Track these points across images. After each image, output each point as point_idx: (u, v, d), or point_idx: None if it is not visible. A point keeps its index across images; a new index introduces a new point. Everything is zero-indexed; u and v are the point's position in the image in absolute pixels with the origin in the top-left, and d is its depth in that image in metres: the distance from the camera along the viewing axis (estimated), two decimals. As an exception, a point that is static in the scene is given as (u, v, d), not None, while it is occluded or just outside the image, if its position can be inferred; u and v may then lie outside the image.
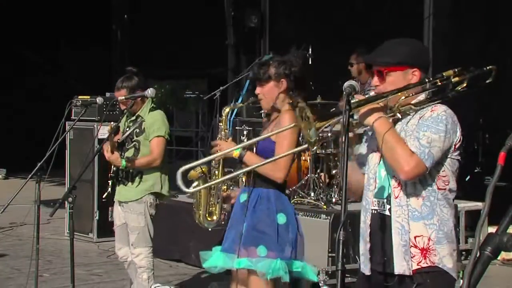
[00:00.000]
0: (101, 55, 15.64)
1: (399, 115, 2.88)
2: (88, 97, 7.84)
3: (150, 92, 5.03)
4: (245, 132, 8.42)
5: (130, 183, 5.16)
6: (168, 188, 5.27)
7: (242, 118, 9.18)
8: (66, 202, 4.54)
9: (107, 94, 7.77)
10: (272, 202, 3.75)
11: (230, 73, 12.26)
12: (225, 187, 4.01)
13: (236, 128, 9.02)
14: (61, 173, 8.22)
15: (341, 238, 2.53)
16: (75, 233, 4.58)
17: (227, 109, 4.07)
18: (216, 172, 3.97)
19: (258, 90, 3.86)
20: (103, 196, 5.38)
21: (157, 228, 7.29)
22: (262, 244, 3.70)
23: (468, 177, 9.83)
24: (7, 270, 6.76)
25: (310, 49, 8.34)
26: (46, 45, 15.25)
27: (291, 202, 6.57)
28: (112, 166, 5.22)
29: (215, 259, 3.86)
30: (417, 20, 10.48)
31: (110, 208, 8.18)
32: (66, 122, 5.64)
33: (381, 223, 2.82)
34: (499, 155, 1.70)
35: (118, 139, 5.20)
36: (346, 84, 2.77)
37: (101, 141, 7.44)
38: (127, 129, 5.24)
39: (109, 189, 5.27)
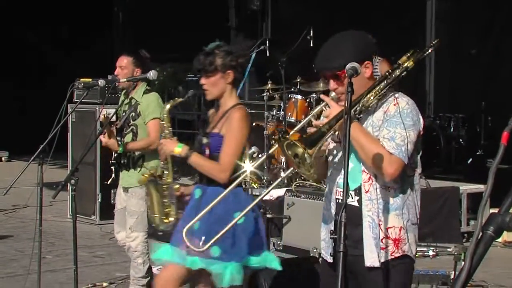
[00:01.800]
0: (103, 38, 15.61)
1: (363, 110, 2.91)
2: (90, 79, 7.83)
3: (152, 74, 5.03)
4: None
5: (132, 169, 5.17)
6: (171, 174, 5.27)
7: (244, 100, 9.20)
8: (68, 185, 4.55)
9: (109, 77, 7.76)
10: (229, 202, 3.59)
11: (233, 55, 12.23)
12: (177, 186, 3.91)
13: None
14: (63, 156, 8.24)
15: (342, 220, 2.55)
16: (77, 215, 4.60)
17: (168, 106, 3.95)
18: (166, 172, 3.90)
19: (203, 80, 3.76)
20: (108, 182, 5.38)
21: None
22: (215, 245, 3.49)
23: (470, 159, 9.85)
24: (11, 252, 6.80)
25: (311, 32, 8.33)
26: (48, 28, 15.22)
27: (292, 185, 6.67)
28: (113, 152, 5.23)
29: (163, 252, 3.77)
30: (420, 4, 10.45)
31: (112, 191, 8.22)
32: (68, 105, 5.63)
33: (349, 214, 2.78)
34: (502, 135, 1.70)
35: (117, 125, 5.20)
36: (348, 66, 2.79)
37: (103, 124, 7.46)
38: (123, 113, 5.25)
39: (113, 175, 5.27)
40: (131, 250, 5.22)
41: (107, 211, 8.20)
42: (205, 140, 3.75)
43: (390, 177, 2.84)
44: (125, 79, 5.16)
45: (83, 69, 11.13)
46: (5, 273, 6.08)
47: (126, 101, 5.27)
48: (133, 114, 5.15)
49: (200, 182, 3.79)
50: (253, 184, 6.86)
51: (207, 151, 3.72)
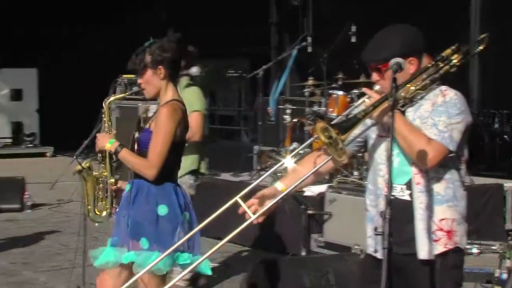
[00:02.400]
0: (146, 35, 15.70)
1: (407, 103, 2.90)
2: (133, 75, 7.90)
3: (194, 70, 5.06)
4: (288, 111, 8.45)
5: None
6: (207, 166, 5.32)
7: (285, 96, 9.19)
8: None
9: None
10: (151, 194, 3.65)
11: (273, 51, 12.24)
12: (113, 180, 3.90)
13: (279, 107, 9.05)
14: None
15: (387, 217, 2.54)
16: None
17: (110, 99, 3.92)
18: (103, 165, 3.89)
19: (139, 80, 3.74)
20: None
21: (199, 206, 7.39)
22: (143, 236, 3.60)
23: (514, 157, 9.69)
24: (56, 246, 6.89)
25: (354, 28, 8.29)
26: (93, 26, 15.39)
27: (334, 181, 6.65)
28: None
29: (107, 255, 3.74)
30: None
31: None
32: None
33: (400, 209, 2.81)
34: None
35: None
36: (392, 61, 2.80)
37: (145, 120, 7.52)
38: None
39: None
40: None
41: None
42: (136, 135, 3.80)
43: (431, 164, 2.81)
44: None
45: (125, 66, 11.25)
46: (50, 266, 6.17)
47: None
48: None
49: (134, 175, 3.78)
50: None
51: (136, 146, 3.75)
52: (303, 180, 2.99)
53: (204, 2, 14.24)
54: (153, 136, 3.65)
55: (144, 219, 3.61)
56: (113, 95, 3.94)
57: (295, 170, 3.09)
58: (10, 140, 14.07)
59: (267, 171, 7.60)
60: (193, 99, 5.18)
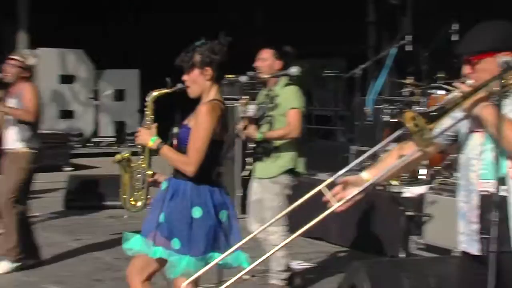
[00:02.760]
0: (242, 34, 15.88)
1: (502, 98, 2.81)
2: (232, 75, 8.00)
3: (294, 70, 5.07)
4: (386, 111, 8.33)
5: (267, 159, 5.23)
6: (304, 166, 5.32)
7: (384, 96, 9.07)
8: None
9: (248, 73, 7.89)
10: (187, 196, 3.69)
11: (371, 51, 12.10)
12: (150, 172, 3.95)
13: (377, 106, 8.94)
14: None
15: (495, 219, 2.48)
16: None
17: (154, 94, 3.96)
18: (143, 156, 3.94)
19: (184, 76, 3.82)
20: (245, 174, 5.46)
21: (299, 205, 7.39)
22: (176, 237, 3.67)
23: None
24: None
25: (455, 26, 8.10)
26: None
27: (434, 182, 6.51)
28: (248, 144, 5.32)
29: (134, 242, 3.81)
30: None
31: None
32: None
33: (496, 204, 2.73)
34: None
35: (254, 115, 5.29)
36: (501, 60, 2.75)
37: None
38: (262, 105, 5.33)
39: (247, 167, 5.36)
40: (271, 243, 5.28)
41: (247, 205, 8.35)
42: (175, 130, 3.91)
43: None
44: (269, 75, 5.23)
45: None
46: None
47: (265, 92, 5.36)
48: (271, 105, 5.22)
49: (173, 174, 3.84)
50: (392, 181, 6.75)
51: (175, 142, 3.82)
52: (388, 171, 2.98)
53: (300, 0, 14.24)
54: (192, 133, 3.70)
55: (178, 220, 3.67)
56: (156, 90, 4.01)
57: (383, 161, 3.07)
58: (113, 139, 14.51)
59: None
60: (292, 97, 5.21)
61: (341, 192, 3.02)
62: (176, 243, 3.67)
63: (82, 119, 14.52)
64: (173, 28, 14.41)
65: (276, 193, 5.22)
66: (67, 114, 14.30)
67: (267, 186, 5.24)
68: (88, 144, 14.24)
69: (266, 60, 5.31)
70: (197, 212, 3.68)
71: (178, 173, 3.76)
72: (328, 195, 3.00)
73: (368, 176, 3.03)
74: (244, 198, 8.28)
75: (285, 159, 5.21)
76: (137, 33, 14.73)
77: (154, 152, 3.85)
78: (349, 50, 13.17)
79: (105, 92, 14.74)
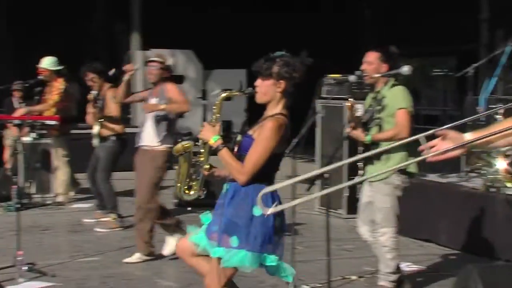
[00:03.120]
0: (349, 33, 15.78)
1: None
2: (339, 75, 7.97)
3: (405, 69, 4.98)
4: (500, 111, 8.05)
5: (377, 161, 5.17)
6: (415, 166, 5.22)
7: (497, 96, 8.78)
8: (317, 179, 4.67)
9: (356, 72, 7.83)
10: (249, 195, 3.77)
11: (483, 49, 11.75)
12: (207, 166, 4.03)
13: (490, 106, 8.66)
14: (310, 150, 8.46)
15: None
16: (325, 208, 4.71)
17: (224, 95, 4.06)
18: (202, 150, 4.04)
19: (257, 82, 3.87)
20: (355, 177, 5.41)
21: (406, 207, 7.26)
22: (235, 235, 3.75)
23: None
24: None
25: None
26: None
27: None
28: (359, 147, 5.27)
29: (199, 238, 3.94)
30: None
31: (358, 186, 8.32)
32: (317, 101, 5.79)
33: None
34: None
35: (363, 119, 5.24)
36: None
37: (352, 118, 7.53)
38: (370, 108, 5.27)
39: (362, 170, 5.31)
40: (380, 245, 5.24)
41: (354, 206, 8.29)
42: (238, 138, 3.94)
43: None
44: (378, 75, 5.18)
45: (330, 64, 11.34)
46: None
47: (372, 95, 5.30)
48: (379, 107, 5.16)
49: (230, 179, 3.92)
50: (507, 183, 6.54)
51: (236, 149, 3.88)
52: (490, 135, 2.90)
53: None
54: (254, 145, 3.78)
55: (239, 219, 3.76)
56: (228, 91, 4.14)
57: (488, 128, 3.01)
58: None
59: (476, 173, 7.35)
60: (399, 97, 5.13)
61: (438, 144, 2.95)
62: (234, 241, 3.76)
63: (190, 118, 14.81)
64: (277, 27, 14.52)
65: (387, 194, 5.16)
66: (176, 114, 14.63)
67: (378, 187, 5.19)
68: (196, 144, 14.50)
69: (372, 64, 5.25)
70: (257, 211, 3.74)
71: None
72: (424, 145, 2.94)
73: (469, 137, 2.96)
74: (350, 198, 8.25)
75: (396, 160, 5.14)
76: (244, 34, 14.89)
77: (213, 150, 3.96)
78: (459, 48, 12.86)
79: (212, 92, 14.99)
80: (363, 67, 5.35)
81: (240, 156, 3.84)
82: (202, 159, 4.08)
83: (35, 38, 13.45)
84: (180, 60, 15.02)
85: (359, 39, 16.06)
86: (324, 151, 8.63)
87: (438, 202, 7.01)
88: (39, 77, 8.85)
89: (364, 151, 5.24)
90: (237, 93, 4.30)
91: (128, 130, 8.34)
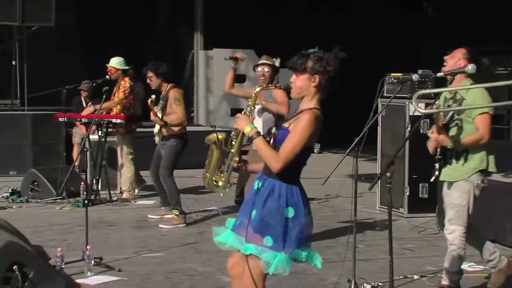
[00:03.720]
0: (410, 32, 15.64)
1: None
2: (400, 74, 7.93)
3: (470, 68, 4.91)
4: None
5: (455, 162, 5.14)
6: (494, 165, 5.18)
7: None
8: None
9: (419, 71, 7.78)
10: (283, 196, 3.82)
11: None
12: (236, 158, 4.09)
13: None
14: (370, 149, 8.44)
15: None
16: (386, 207, 4.71)
17: (258, 89, 4.20)
18: (234, 142, 4.10)
19: (292, 78, 3.95)
20: (431, 180, 5.36)
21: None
22: (269, 235, 3.78)
23: None
24: (325, 239, 7.14)
25: None
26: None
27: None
28: (438, 148, 5.23)
29: (226, 237, 3.93)
30: None
31: (420, 185, 8.27)
32: (379, 100, 5.78)
33: None
34: None
35: (443, 121, 5.18)
36: None
37: (414, 118, 7.51)
38: (446, 106, 5.23)
39: (436, 172, 5.24)
40: (448, 242, 5.21)
41: (415, 205, 8.27)
42: (273, 130, 4.00)
43: None
44: (445, 73, 5.12)
45: (391, 63, 11.29)
46: (322, 259, 6.40)
47: (449, 95, 5.22)
48: (457, 108, 5.12)
49: (262, 172, 3.94)
50: None
51: (272, 141, 3.92)
52: None
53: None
54: (290, 136, 3.83)
55: (274, 219, 3.80)
56: (265, 86, 4.40)
57: None
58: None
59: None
60: (480, 99, 5.04)
61: None
62: (269, 241, 3.79)
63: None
64: (338, 26, 14.50)
65: (465, 191, 5.13)
66: (238, 113, 14.77)
67: (457, 185, 5.15)
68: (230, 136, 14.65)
69: (453, 58, 5.17)
70: (290, 212, 3.82)
71: (271, 173, 3.88)
72: None
73: None
74: (411, 197, 8.21)
75: (476, 161, 5.10)
76: (307, 33, 14.91)
77: (249, 140, 4.03)
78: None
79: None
80: (446, 60, 5.25)
81: (275, 148, 3.89)
82: (233, 150, 4.15)
83: (102, 39, 13.78)
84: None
85: (421, 38, 15.92)
86: (384, 149, 8.61)
87: (503, 202, 6.92)
88: (106, 76, 9.10)
89: (443, 153, 5.20)
90: (273, 87, 4.49)
91: (189, 128, 8.48)
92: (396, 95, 7.20)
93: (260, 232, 3.81)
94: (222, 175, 4.23)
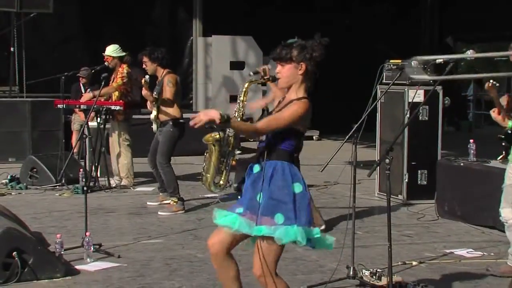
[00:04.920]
0: (410, 20, 15.61)
1: None
2: (400, 61, 7.92)
3: (469, 53, 4.91)
4: None
5: None
6: None
7: None
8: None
9: (417, 57, 7.76)
10: (287, 173, 3.85)
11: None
12: (237, 158, 4.10)
13: None
14: (369, 136, 8.44)
15: None
16: (385, 194, 4.72)
17: (247, 84, 4.22)
18: (231, 140, 4.09)
19: (278, 68, 3.95)
20: (499, 159, 5.50)
21: (471, 193, 7.21)
22: (279, 212, 3.79)
23: None
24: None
25: None
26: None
27: None
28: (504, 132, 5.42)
29: (232, 220, 3.89)
30: None
31: (419, 171, 8.28)
32: (378, 86, 5.78)
33: None
34: None
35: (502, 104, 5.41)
36: None
37: (413, 105, 7.51)
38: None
39: (504, 153, 5.41)
40: (503, 219, 5.39)
41: (414, 191, 8.28)
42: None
43: None
44: (444, 58, 5.11)
45: (390, 50, 11.27)
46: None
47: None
48: None
49: (257, 161, 3.93)
50: None
51: None
52: None
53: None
54: (276, 113, 3.88)
55: (282, 196, 3.82)
56: (254, 80, 4.38)
57: None
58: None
59: None
60: None
61: None
62: (279, 218, 3.80)
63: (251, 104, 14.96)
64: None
65: None
66: (237, 99, 14.78)
67: None
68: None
69: None
70: (297, 188, 3.85)
71: (272, 156, 3.89)
72: None
73: None
74: (410, 184, 8.22)
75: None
76: (309, 21, 14.88)
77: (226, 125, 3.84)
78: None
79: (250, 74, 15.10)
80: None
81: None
82: (230, 149, 4.17)
83: (100, 26, 13.75)
84: (241, 46, 15.12)
85: (420, 26, 15.89)
86: (383, 136, 8.61)
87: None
88: (105, 63, 9.08)
89: (507, 135, 5.43)
90: (260, 80, 4.47)
91: (187, 115, 8.46)
92: (395, 81, 7.21)
93: (269, 212, 3.81)
94: (221, 175, 4.23)
